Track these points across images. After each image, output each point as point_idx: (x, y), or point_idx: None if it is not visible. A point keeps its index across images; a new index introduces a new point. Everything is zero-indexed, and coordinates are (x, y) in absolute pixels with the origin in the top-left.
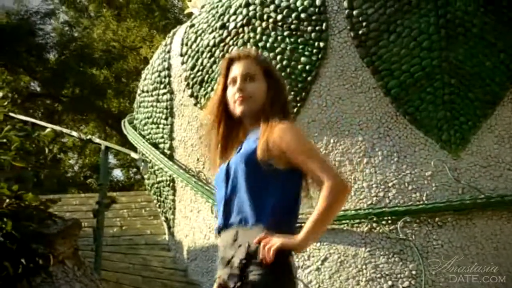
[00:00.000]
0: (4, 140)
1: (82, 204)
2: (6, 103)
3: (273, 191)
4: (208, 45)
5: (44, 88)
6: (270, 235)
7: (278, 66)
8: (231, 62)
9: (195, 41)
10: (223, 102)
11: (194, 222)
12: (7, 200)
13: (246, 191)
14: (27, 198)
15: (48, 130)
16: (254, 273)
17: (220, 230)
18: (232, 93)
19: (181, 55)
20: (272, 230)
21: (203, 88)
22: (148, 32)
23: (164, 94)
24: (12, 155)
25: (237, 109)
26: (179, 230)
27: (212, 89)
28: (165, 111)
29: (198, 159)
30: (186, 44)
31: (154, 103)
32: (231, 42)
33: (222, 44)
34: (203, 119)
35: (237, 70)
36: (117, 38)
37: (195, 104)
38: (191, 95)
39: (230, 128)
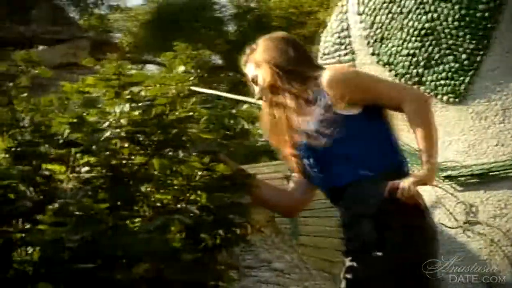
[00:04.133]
0: (191, 114)
1: (276, 171)
2: (192, 78)
3: (366, 136)
4: (384, 1)
5: (225, 61)
6: (396, 182)
7: (457, 16)
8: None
9: None
10: None
11: None
12: (199, 173)
13: (341, 147)
14: (218, 169)
15: (246, 106)
16: (391, 227)
17: (333, 196)
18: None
19: (359, 14)
20: (393, 173)
21: (383, 45)
22: None
23: (345, 54)
24: (201, 128)
25: None
26: None
27: (393, 46)
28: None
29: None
30: (363, 3)
31: (337, 65)
32: None
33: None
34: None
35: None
36: (294, 4)
37: (377, 62)
38: (372, 53)
39: None
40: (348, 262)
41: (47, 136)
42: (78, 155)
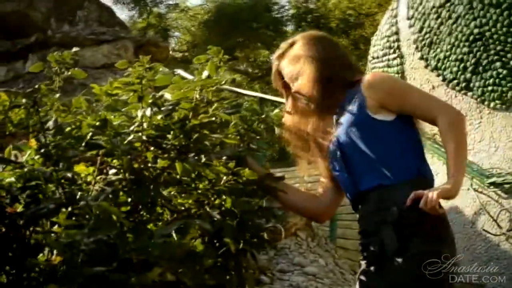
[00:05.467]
0: (213, 119)
1: (318, 174)
2: (222, 82)
3: (395, 143)
4: (434, 6)
5: None
6: (420, 191)
7: (506, 22)
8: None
9: (421, 3)
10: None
11: None
12: (224, 178)
13: (369, 151)
14: (244, 174)
15: (276, 110)
16: (412, 236)
17: (356, 201)
18: None
19: (408, 18)
20: (416, 183)
21: (432, 50)
22: None
23: (394, 58)
24: (230, 133)
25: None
26: None
27: (441, 51)
28: (396, 76)
29: None
30: (412, 7)
31: (385, 69)
32: (456, 1)
33: (448, 4)
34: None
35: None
36: (352, 5)
37: (426, 67)
38: (421, 58)
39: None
40: (364, 265)
41: (71, 138)
42: (105, 158)
